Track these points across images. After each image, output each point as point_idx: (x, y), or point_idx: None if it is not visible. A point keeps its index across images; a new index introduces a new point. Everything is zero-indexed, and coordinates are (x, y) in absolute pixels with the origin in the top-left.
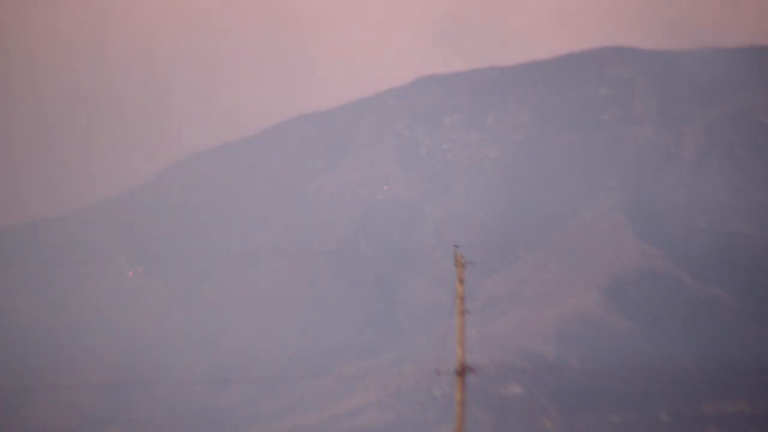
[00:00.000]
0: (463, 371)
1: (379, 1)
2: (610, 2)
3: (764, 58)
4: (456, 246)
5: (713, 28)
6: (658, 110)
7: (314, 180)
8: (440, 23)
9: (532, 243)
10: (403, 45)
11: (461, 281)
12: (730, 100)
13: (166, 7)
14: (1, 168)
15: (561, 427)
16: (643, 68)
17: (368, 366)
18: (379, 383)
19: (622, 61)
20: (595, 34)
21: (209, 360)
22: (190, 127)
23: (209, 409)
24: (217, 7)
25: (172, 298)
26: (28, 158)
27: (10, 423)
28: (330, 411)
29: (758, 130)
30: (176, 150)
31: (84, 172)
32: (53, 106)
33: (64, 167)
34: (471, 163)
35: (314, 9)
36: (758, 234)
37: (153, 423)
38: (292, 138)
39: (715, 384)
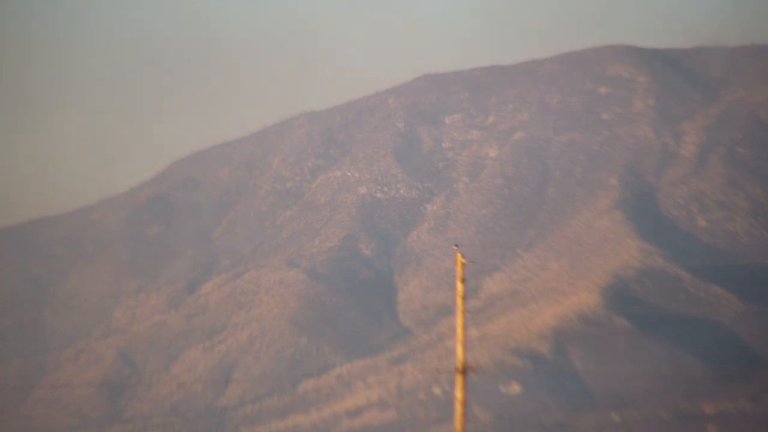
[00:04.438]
0: (463, 370)
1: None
2: (610, 1)
3: (764, 57)
4: (456, 245)
5: (713, 26)
6: (658, 109)
7: (314, 179)
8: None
9: (532, 242)
10: (404, 43)
11: (462, 280)
12: (730, 99)
13: (167, 3)
14: (1, 166)
15: (561, 425)
16: (643, 67)
17: (369, 365)
18: (380, 382)
19: (622, 60)
20: (595, 33)
21: (209, 359)
22: (190, 125)
23: (210, 408)
24: (219, 5)
25: (172, 296)
26: (29, 156)
27: (11, 422)
28: (331, 409)
29: (758, 129)
30: (177, 148)
31: (85, 170)
32: (54, 103)
33: (65, 165)
34: (471, 162)
35: (315, 7)
36: (758, 233)
37: (153, 422)
38: (292, 137)
39: (715, 383)
